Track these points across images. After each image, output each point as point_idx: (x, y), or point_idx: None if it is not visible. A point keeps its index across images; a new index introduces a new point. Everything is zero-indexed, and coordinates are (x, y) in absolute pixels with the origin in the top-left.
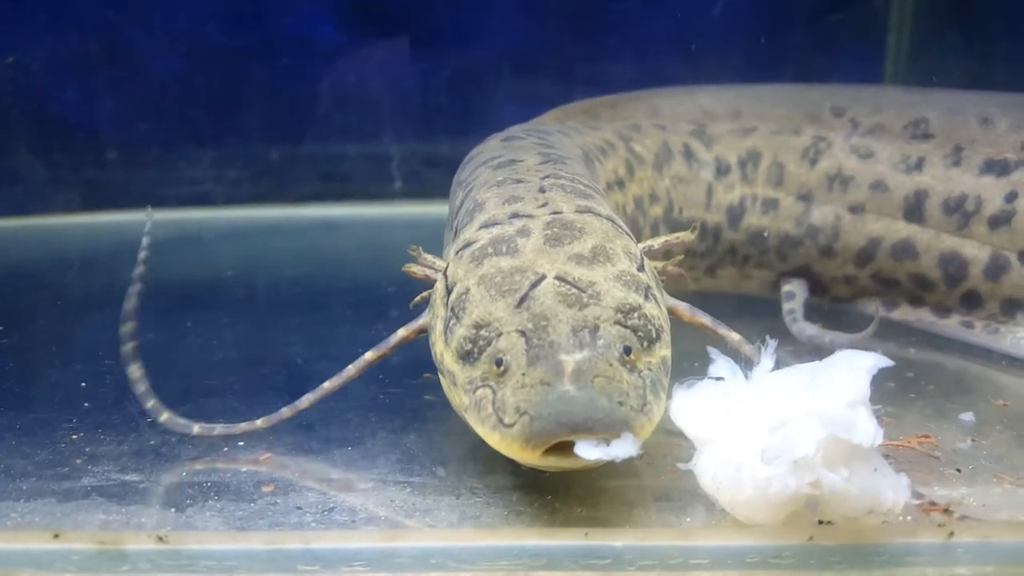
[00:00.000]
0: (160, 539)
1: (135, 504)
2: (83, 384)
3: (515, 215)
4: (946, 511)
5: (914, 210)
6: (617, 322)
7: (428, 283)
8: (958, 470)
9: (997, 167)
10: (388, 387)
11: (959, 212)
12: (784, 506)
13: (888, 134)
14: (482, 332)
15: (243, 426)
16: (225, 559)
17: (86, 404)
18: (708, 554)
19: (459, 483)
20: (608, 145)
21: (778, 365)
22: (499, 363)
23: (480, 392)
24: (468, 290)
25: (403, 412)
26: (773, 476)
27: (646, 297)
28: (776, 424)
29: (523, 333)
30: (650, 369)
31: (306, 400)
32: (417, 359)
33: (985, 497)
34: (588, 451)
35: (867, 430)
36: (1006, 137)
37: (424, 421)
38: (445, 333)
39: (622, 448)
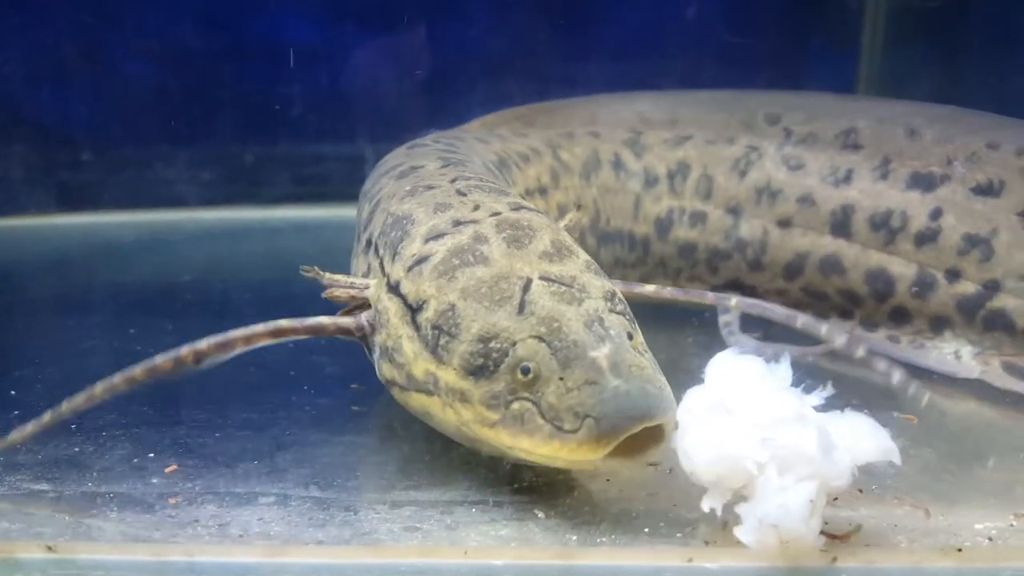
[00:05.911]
0: (49, 548)
1: (41, 513)
2: (13, 392)
3: (457, 222)
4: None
5: (841, 225)
6: (611, 310)
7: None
8: (860, 491)
9: (923, 182)
10: (315, 397)
11: (885, 228)
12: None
13: (820, 143)
14: (492, 344)
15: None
16: (114, 569)
17: (15, 412)
18: (587, 573)
19: (360, 499)
20: (533, 152)
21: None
22: (525, 371)
23: (518, 405)
24: (453, 305)
25: (324, 425)
26: (731, 454)
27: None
28: (777, 420)
29: (540, 338)
30: (646, 350)
31: (140, 369)
32: (347, 368)
33: (884, 519)
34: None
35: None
36: (931, 150)
37: (341, 435)
38: (434, 352)
39: None
